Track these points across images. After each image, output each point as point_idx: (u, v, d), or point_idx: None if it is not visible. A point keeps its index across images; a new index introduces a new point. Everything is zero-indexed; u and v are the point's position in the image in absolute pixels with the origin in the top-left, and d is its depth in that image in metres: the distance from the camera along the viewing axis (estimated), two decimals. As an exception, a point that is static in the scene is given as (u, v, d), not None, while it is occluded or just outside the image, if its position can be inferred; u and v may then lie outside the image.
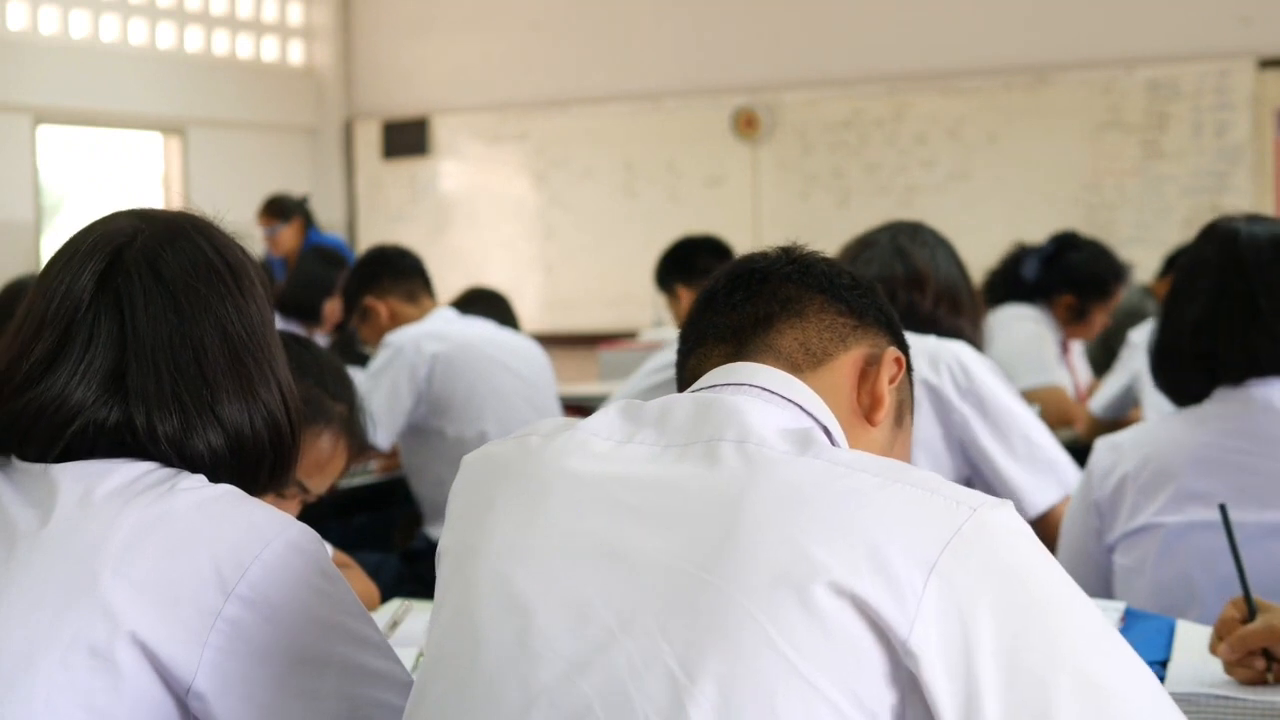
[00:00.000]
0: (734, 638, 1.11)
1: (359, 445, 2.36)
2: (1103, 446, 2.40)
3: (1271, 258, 2.25)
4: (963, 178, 8.56)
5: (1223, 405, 2.27)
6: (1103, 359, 5.27)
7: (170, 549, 1.39)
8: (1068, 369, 4.85)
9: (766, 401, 1.31)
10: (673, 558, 1.16)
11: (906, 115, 8.70)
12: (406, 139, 10.21)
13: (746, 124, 9.06)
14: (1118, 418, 4.32)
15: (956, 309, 2.92)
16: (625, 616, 1.15)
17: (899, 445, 1.46)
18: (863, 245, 2.99)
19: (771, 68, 9.04)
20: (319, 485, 2.26)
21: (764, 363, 1.36)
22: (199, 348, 1.52)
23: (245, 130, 9.93)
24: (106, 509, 1.41)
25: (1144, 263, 6.47)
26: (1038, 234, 5.12)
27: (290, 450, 1.58)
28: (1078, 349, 5.00)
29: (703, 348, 1.43)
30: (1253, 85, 7.91)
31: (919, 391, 2.73)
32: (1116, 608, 2.12)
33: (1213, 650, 1.79)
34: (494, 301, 5.15)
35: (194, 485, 1.46)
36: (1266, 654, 1.75)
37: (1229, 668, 1.77)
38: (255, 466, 1.54)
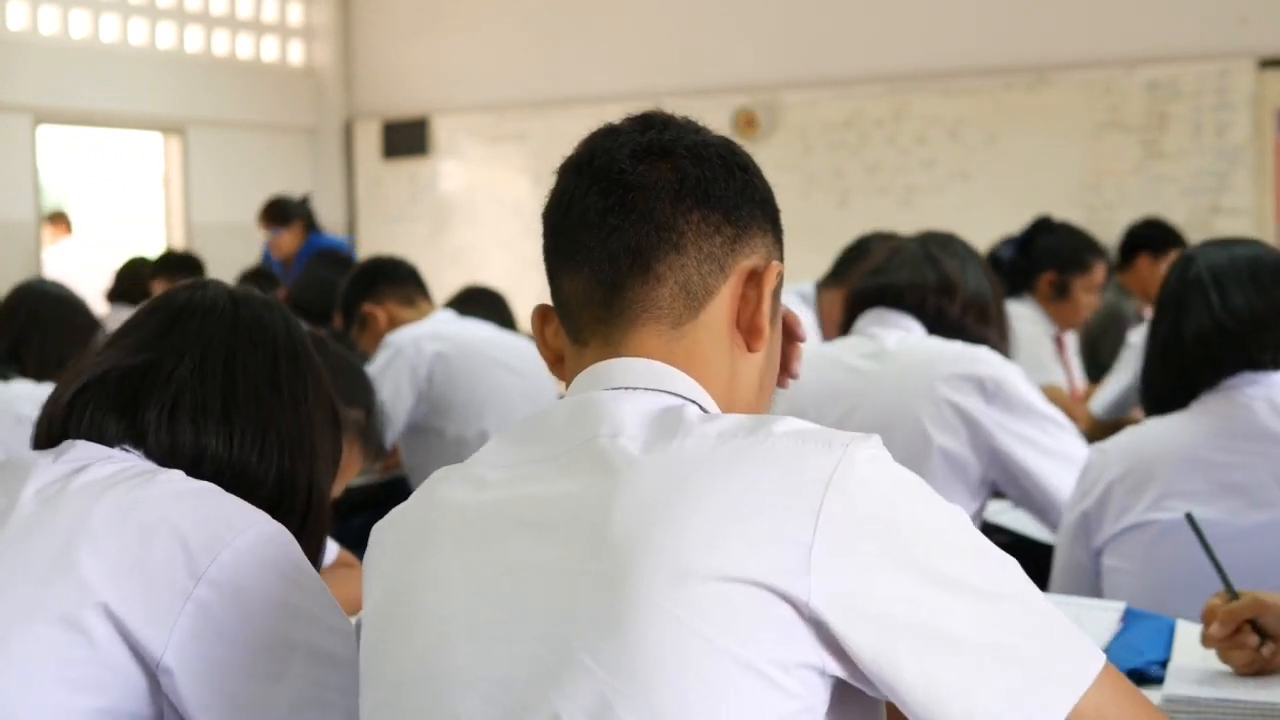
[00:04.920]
0: (646, 626, 1.12)
1: (375, 449, 2.39)
2: (1092, 453, 2.47)
3: (1226, 266, 2.35)
4: (963, 178, 8.57)
5: (1205, 406, 2.33)
6: (1088, 364, 5.28)
7: (145, 531, 1.44)
8: (1063, 367, 4.87)
9: (636, 394, 1.29)
10: (571, 562, 1.17)
11: (906, 115, 8.70)
12: (406, 139, 10.21)
13: (746, 124, 9.06)
14: (1119, 418, 4.33)
15: (984, 319, 2.94)
16: (540, 633, 1.17)
17: (774, 342, 1.39)
18: (892, 251, 3.00)
19: (771, 68, 9.05)
20: (334, 489, 2.29)
21: (645, 325, 1.31)
22: (236, 364, 1.61)
23: (245, 130, 9.93)
24: (84, 495, 1.47)
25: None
26: (1037, 234, 5.13)
27: (307, 527, 1.62)
28: (1071, 346, 5.02)
29: (577, 276, 1.34)
30: (1253, 85, 7.91)
31: (943, 404, 2.74)
32: (1116, 608, 2.12)
33: (1204, 641, 1.81)
34: (490, 300, 5.15)
35: (172, 479, 1.51)
36: (1260, 633, 1.77)
37: (1224, 655, 1.79)
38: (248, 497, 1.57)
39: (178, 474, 1.52)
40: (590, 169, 1.32)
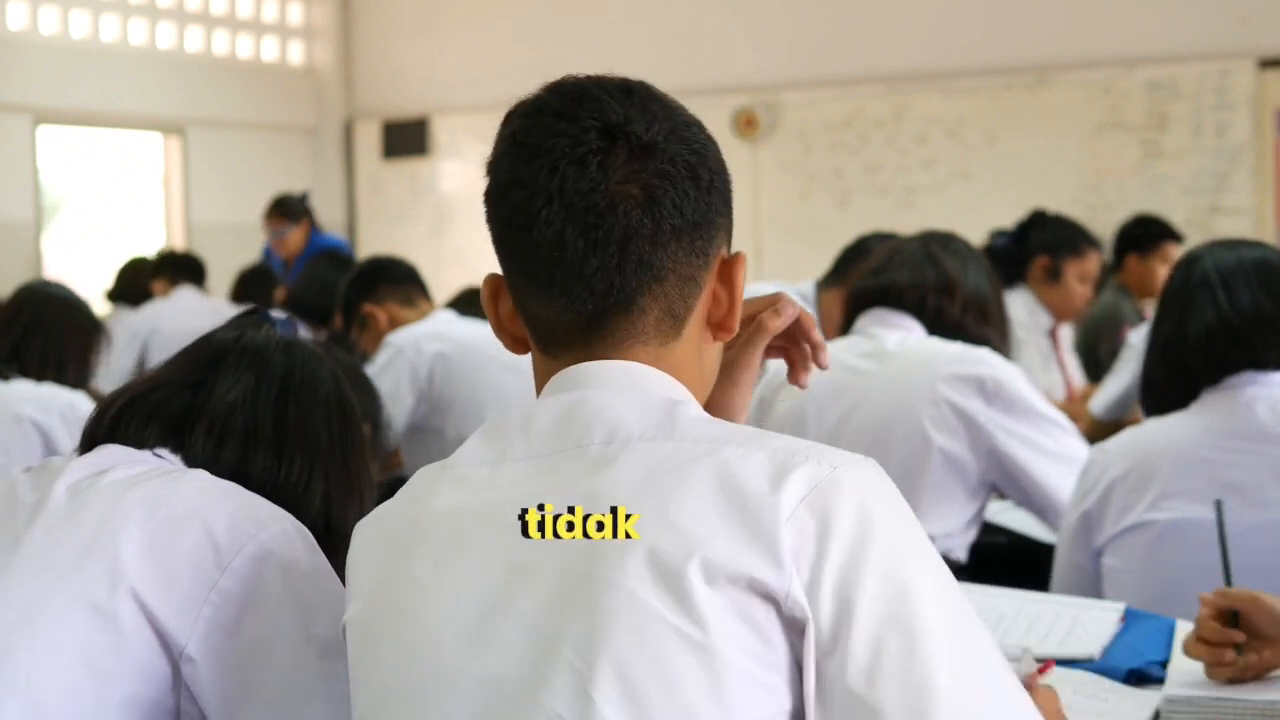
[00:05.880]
0: (628, 624, 1.13)
1: (381, 461, 2.39)
2: (1093, 453, 2.47)
3: (1233, 266, 2.35)
4: (963, 178, 8.57)
5: (1207, 405, 2.34)
6: (1086, 365, 5.29)
7: (174, 522, 1.47)
8: (1058, 365, 4.87)
9: (624, 392, 1.29)
10: (556, 561, 1.18)
11: (906, 115, 8.70)
12: (406, 139, 10.21)
13: (746, 124, 9.07)
14: (1119, 419, 4.33)
15: (984, 319, 2.94)
16: (528, 631, 1.17)
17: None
18: (892, 251, 3.00)
19: (771, 68, 9.05)
20: None
21: (630, 349, 1.30)
22: (289, 398, 1.66)
23: (245, 130, 9.94)
24: (114, 489, 1.51)
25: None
26: (1037, 234, 5.13)
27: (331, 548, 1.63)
28: (1066, 342, 5.01)
29: (551, 302, 1.31)
30: (1253, 85, 7.91)
31: (943, 405, 2.74)
32: (1116, 608, 2.13)
33: (1185, 648, 1.80)
34: (491, 301, 5.15)
35: (199, 476, 1.56)
36: (1250, 632, 1.76)
37: (1209, 671, 1.78)
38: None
39: (204, 473, 1.57)
40: (562, 199, 1.29)
